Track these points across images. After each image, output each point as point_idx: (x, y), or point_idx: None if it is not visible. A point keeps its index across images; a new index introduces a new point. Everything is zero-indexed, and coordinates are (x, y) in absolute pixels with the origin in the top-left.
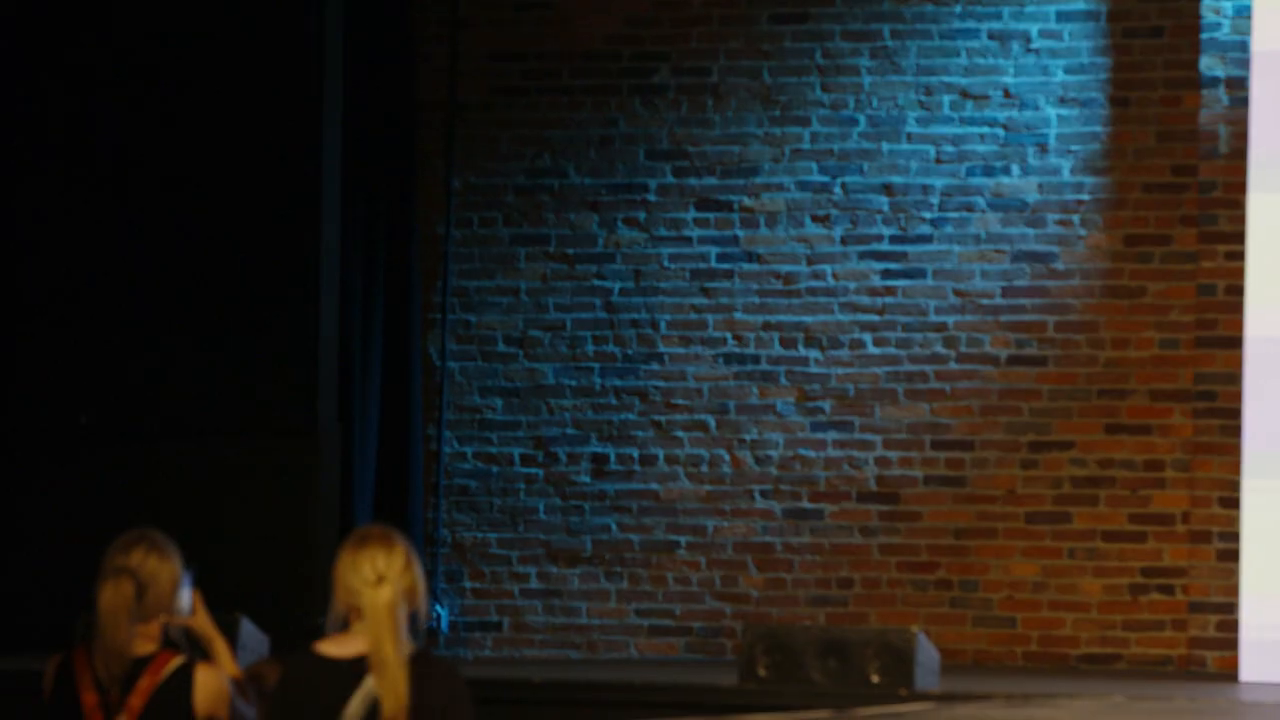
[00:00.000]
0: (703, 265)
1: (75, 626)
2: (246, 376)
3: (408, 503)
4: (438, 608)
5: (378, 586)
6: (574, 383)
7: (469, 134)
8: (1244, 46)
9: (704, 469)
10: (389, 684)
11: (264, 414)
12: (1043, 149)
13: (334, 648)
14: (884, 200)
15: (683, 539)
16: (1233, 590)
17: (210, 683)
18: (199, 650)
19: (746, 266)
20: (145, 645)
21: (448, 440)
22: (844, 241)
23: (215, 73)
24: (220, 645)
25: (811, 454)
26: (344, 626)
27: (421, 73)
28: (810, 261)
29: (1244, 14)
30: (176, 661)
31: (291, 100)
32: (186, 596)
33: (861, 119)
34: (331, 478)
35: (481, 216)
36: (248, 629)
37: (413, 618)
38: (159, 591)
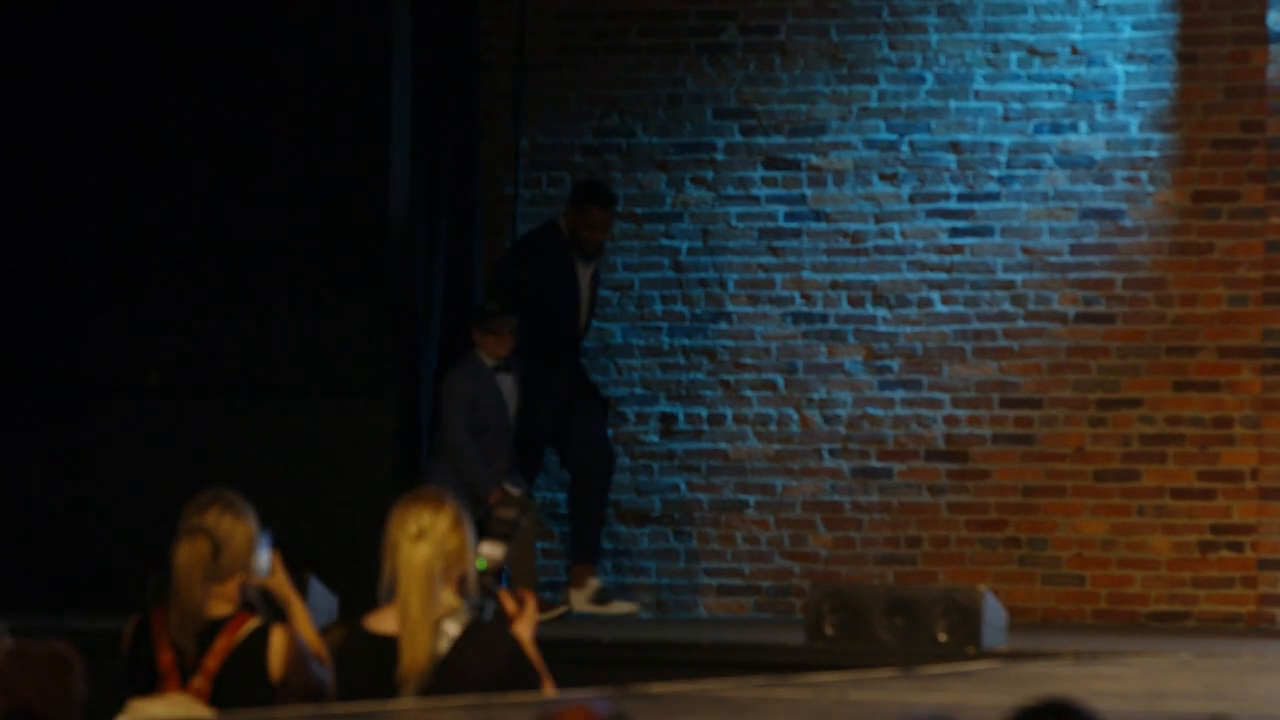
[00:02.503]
0: (770, 224)
1: (148, 584)
2: (316, 336)
3: None
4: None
5: (416, 542)
6: (642, 342)
7: (537, 94)
8: None
9: (772, 428)
10: (408, 640)
11: (333, 374)
12: (1110, 106)
13: (381, 622)
14: (951, 158)
15: (751, 498)
16: None
17: (285, 645)
18: (276, 611)
19: (814, 225)
20: (222, 606)
21: None
22: (911, 200)
23: (287, 37)
24: (297, 607)
25: (880, 413)
26: (393, 594)
27: (489, 33)
28: (878, 220)
29: None
30: (252, 624)
31: (360, 61)
32: (265, 557)
33: (929, 77)
34: (401, 437)
35: (550, 176)
36: (316, 588)
37: (462, 581)
38: (234, 552)
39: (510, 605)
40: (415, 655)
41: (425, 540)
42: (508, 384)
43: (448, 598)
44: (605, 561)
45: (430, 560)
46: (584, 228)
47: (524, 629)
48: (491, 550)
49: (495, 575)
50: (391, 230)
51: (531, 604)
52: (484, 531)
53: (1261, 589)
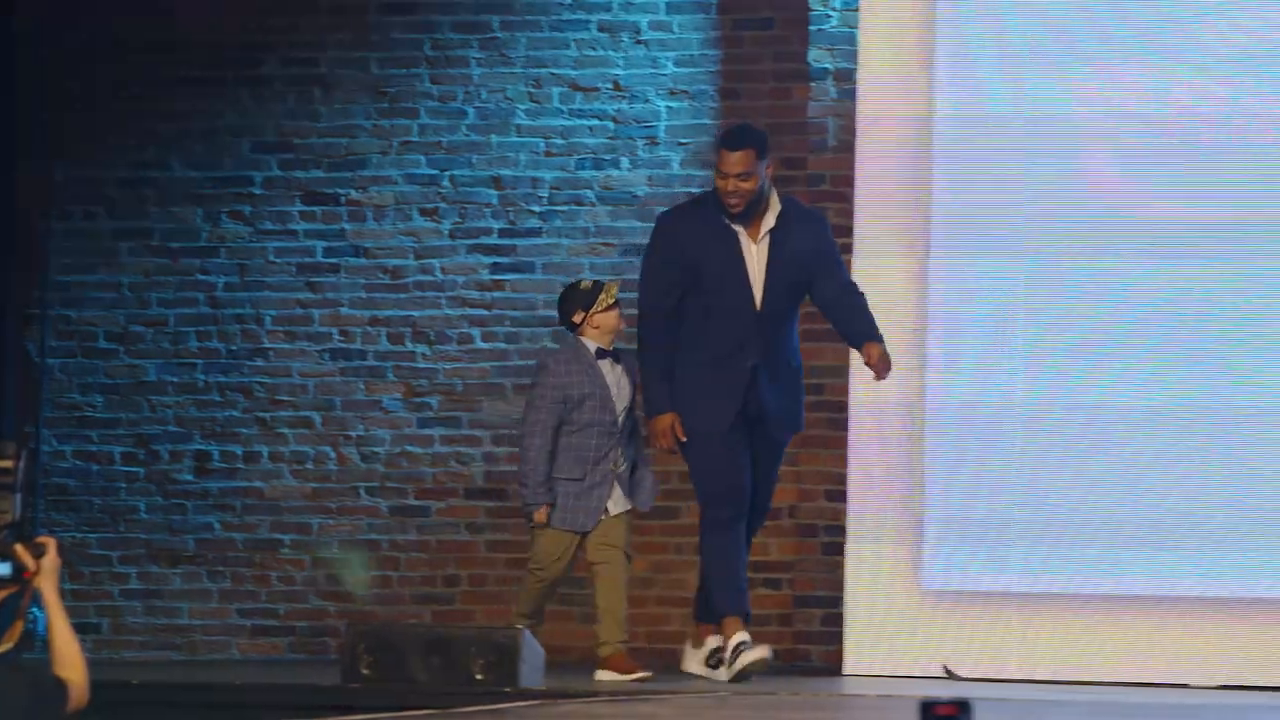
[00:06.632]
0: (309, 259)
1: None
2: None
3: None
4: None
5: None
6: (176, 379)
7: (72, 125)
8: (852, 39)
9: (309, 466)
10: None
11: None
12: (652, 142)
13: None
14: (493, 193)
15: (287, 537)
16: (838, 584)
17: None
18: None
19: (353, 261)
20: None
21: (46, 439)
22: (452, 235)
23: None
24: None
25: (418, 450)
26: None
27: (24, 62)
28: (418, 255)
29: (852, 6)
30: None
31: None
32: None
33: (470, 111)
34: None
35: (84, 209)
36: None
37: None
38: None
39: (29, 560)
40: None
41: None
42: (616, 374)
43: None
44: (136, 602)
45: None
46: (720, 179)
47: (46, 583)
48: None
49: (5, 529)
50: None
51: (53, 551)
52: None
53: (797, 626)
